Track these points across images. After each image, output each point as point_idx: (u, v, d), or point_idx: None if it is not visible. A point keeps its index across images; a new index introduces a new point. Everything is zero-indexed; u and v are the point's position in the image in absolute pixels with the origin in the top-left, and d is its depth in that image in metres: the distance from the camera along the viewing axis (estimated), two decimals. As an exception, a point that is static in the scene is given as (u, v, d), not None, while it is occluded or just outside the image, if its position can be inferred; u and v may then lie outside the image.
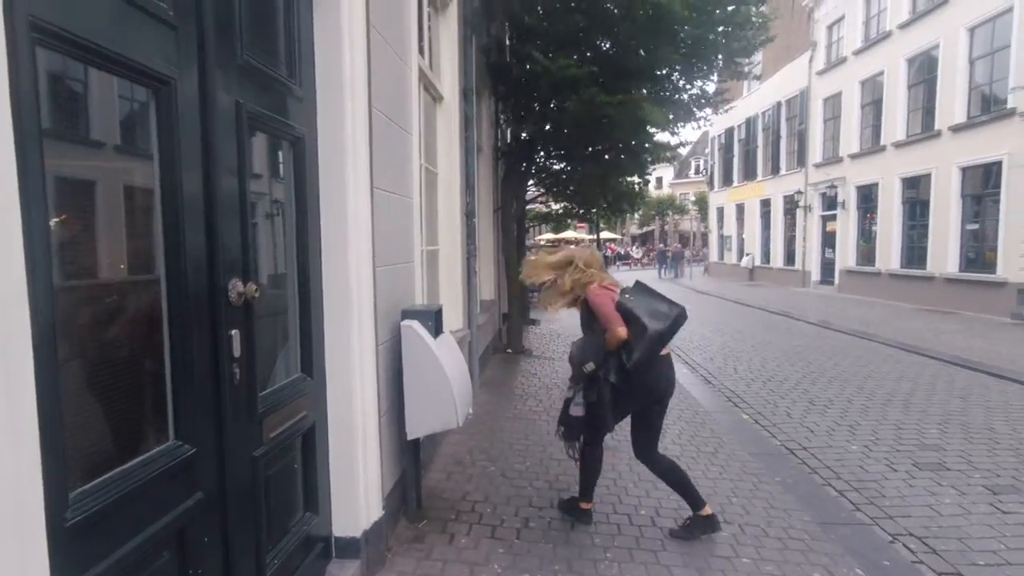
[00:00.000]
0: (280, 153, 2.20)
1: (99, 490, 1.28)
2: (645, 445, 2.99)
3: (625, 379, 2.77)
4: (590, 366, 2.78)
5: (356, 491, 2.55)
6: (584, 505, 3.13)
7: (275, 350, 2.19)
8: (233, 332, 1.74)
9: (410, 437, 3.01)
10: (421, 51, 4.03)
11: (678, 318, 2.75)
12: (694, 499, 2.96)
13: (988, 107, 12.44)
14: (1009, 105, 11.48)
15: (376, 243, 2.68)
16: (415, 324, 2.91)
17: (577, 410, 2.89)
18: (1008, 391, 6.21)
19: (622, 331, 2.71)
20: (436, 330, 3.02)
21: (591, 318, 2.90)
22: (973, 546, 3.02)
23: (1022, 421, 5.11)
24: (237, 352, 1.76)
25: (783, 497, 3.48)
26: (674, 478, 2.99)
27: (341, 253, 2.45)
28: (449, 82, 5.01)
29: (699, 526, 2.95)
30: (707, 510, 2.96)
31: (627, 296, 2.84)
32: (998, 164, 11.85)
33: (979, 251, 12.78)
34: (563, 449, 3.19)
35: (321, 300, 2.43)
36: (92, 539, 1.25)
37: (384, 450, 2.81)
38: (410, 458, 3.12)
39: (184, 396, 1.56)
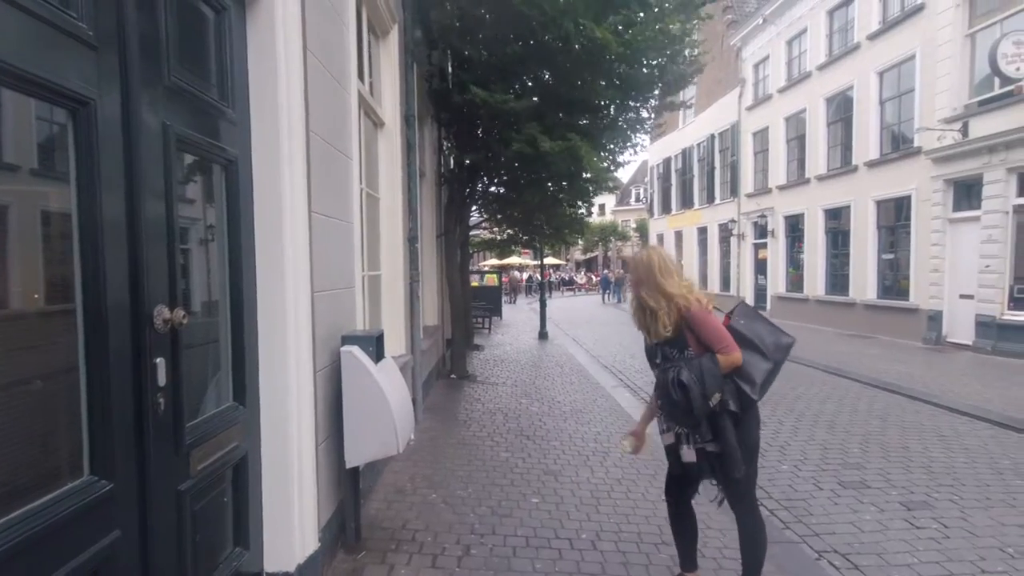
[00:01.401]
0: (212, 176, 2.16)
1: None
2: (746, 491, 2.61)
3: (743, 409, 2.43)
4: (718, 396, 2.35)
5: (290, 523, 2.46)
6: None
7: (206, 379, 2.11)
8: (158, 360, 1.67)
9: (349, 465, 2.94)
10: (361, 76, 4.05)
11: (789, 347, 2.51)
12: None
13: (898, 145, 13.50)
14: (915, 144, 12.52)
15: (315, 268, 2.64)
16: (355, 349, 2.87)
17: (690, 454, 2.49)
18: (921, 411, 6.65)
19: (739, 355, 2.41)
20: (377, 355, 2.99)
21: (685, 340, 2.49)
22: (891, 560, 3.20)
23: (933, 440, 5.48)
24: (162, 381, 1.69)
25: (719, 518, 3.57)
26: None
27: (277, 278, 2.40)
28: (390, 108, 5.03)
29: None
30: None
31: (740, 321, 2.54)
32: (908, 198, 12.84)
33: (894, 280, 13.68)
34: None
35: (255, 326, 2.37)
36: (-10, 587, 1.16)
37: (321, 479, 2.73)
38: (349, 487, 3.04)
39: (101, 428, 1.48)
